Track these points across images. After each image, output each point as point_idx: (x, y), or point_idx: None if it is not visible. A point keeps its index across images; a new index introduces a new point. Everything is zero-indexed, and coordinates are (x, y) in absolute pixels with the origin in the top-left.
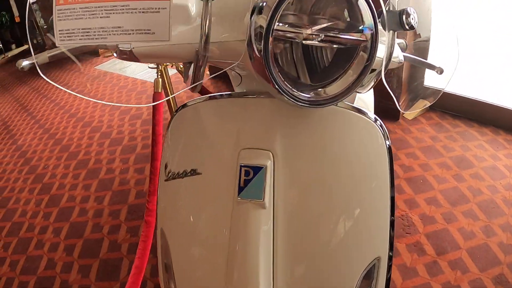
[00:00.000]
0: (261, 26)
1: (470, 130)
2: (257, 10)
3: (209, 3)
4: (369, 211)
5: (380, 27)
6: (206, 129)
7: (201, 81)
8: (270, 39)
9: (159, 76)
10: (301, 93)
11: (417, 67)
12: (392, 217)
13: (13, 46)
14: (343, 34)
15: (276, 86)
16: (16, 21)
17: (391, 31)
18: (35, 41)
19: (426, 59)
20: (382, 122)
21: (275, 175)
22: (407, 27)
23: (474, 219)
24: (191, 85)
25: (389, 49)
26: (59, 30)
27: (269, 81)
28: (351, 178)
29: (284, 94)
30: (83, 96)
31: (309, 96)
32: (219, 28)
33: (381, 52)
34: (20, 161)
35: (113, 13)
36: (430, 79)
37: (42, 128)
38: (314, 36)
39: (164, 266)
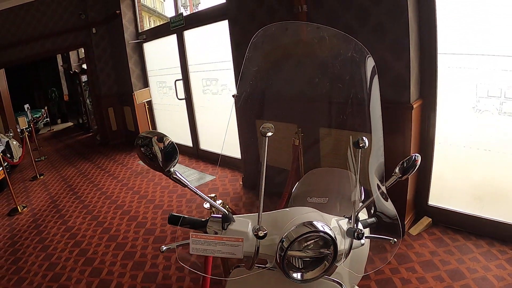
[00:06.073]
0: (281, 250)
1: (468, 243)
2: (281, 242)
3: (258, 242)
4: None
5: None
6: (251, 283)
7: (251, 270)
8: (286, 255)
9: None
10: (295, 275)
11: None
12: None
13: (59, 121)
14: (320, 249)
15: (285, 274)
16: (65, 99)
17: (349, 238)
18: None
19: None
20: (343, 285)
21: None
22: (358, 237)
23: None
24: (249, 268)
25: (349, 247)
26: (192, 247)
27: (283, 271)
28: None
29: (288, 277)
30: None
31: (299, 277)
32: (264, 246)
33: (347, 242)
34: (71, 242)
35: (217, 244)
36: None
37: (90, 215)
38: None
39: None
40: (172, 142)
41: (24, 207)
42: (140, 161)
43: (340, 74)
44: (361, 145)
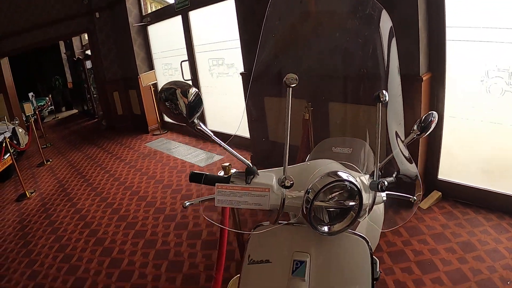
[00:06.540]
0: (307, 202)
1: (478, 217)
2: (307, 193)
3: (284, 193)
4: None
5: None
6: (275, 239)
7: (275, 224)
8: (312, 207)
9: None
10: (322, 228)
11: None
12: None
13: (63, 108)
14: (345, 201)
15: (311, 226)
16: (69, 86)
17: (372, 193)
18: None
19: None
20: (369, 241)
21: (310, 266)
22: (382, 189)
23: None
24: (274, 222)
25: (372, 200)
26: (218, 199)
27: (309, 224)
28: (349, 270)
29: (315, 229)
30: None
31: (326, 230)
32: (288, 200)
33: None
34: (81, 223)
35: (243, 195)
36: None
37: (99, 196)
38: (331, 204)
39: None
40: (197, 91)
41: (32, 192)
42: (148, 143)
43: (358, 34)
44: (382, 99)
